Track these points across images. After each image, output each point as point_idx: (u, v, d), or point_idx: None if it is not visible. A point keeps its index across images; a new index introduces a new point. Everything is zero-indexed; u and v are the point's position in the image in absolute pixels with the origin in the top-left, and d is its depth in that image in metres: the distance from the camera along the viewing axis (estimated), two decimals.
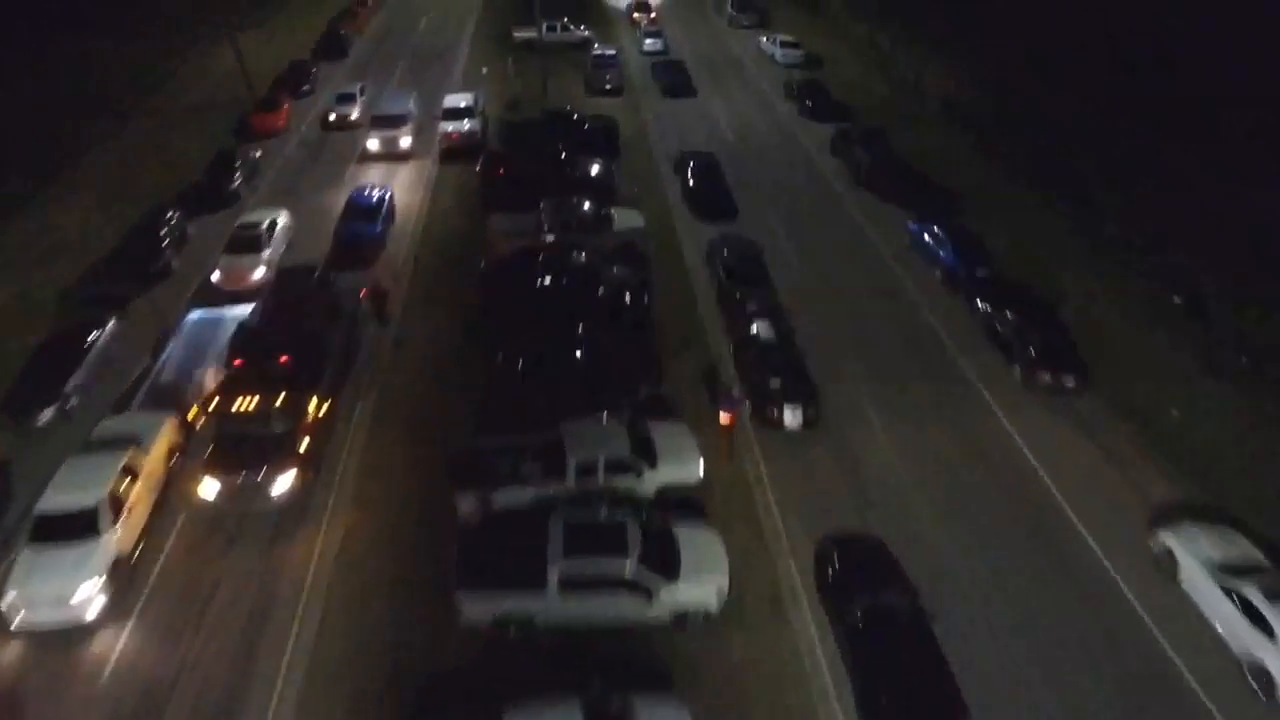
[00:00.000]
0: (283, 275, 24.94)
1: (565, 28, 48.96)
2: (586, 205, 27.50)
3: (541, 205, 27.58)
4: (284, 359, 20.00)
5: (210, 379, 22.32)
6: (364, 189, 30.71)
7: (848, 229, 30.81)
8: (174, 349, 23.12)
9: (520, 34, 48.40)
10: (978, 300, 25.34)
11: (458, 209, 31.78)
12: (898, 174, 32.86)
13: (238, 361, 20.58)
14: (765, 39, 49.93)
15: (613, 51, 43.81)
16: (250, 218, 28.49)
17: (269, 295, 23.79)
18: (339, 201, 32.28)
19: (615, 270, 24.59)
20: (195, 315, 24.83)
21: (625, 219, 28.03)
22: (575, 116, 35.26)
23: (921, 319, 25.62)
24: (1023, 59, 48.23)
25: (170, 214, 29.70)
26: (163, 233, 28.77)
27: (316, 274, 24.97)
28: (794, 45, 47.71)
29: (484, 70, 45.75)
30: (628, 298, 23.97)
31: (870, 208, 32.33)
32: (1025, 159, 37.80)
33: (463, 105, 35.93)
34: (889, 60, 51.62)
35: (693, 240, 29.59)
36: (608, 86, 42.02)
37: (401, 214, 31.74)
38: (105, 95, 44.73)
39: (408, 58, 48.64)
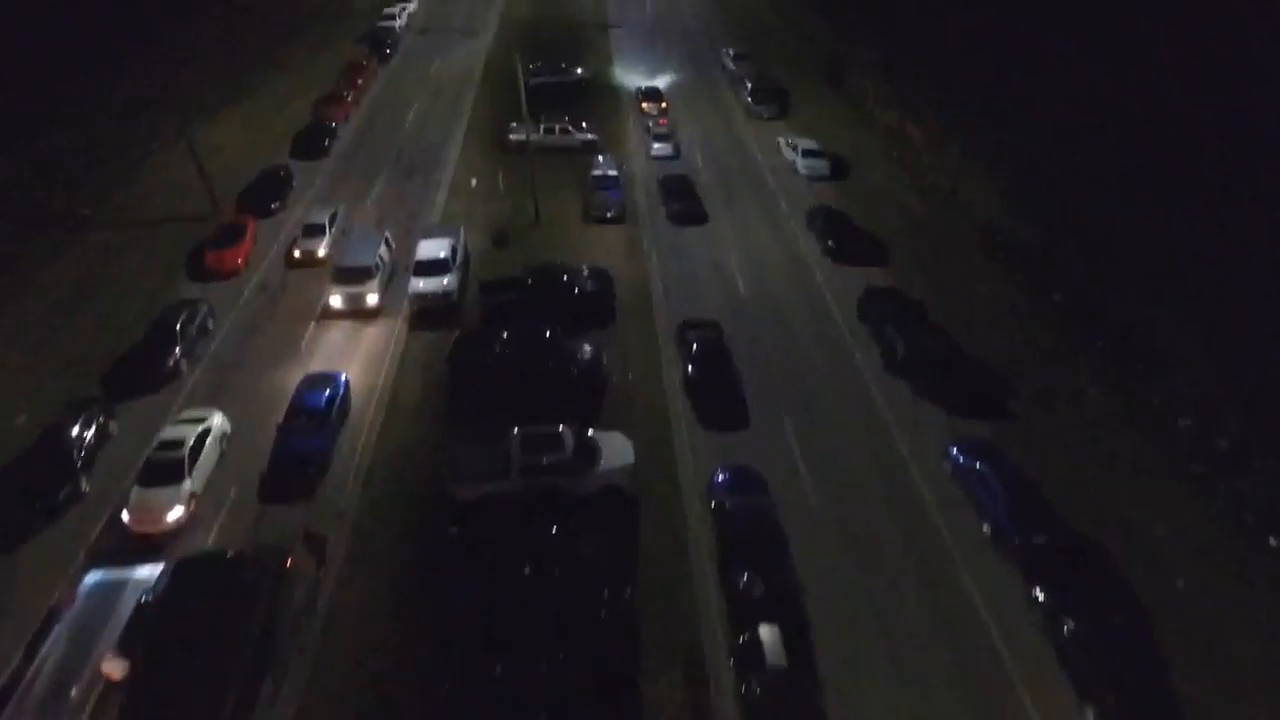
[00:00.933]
0: (184, 570, 19.95)
1: (565, 130, 44.38)
2: (566, 437, 23.02)
3: (512, 438, 23.14)
4: None
5: (108, 666, 18.28)
6: (314, 381, 26.55)
7: (877, 441, 26.17)
8: (56, 641, 19.06)
9: (516, 135, 43.89)
10: (1036, 589, 20.66)
11: (424, 403, 27.42)
12: (935, 360, 28.19)
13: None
14: (784, 141, 45.11)
15: (614, 172, 39.24)
16: (172, 432, 24.32)
17: (169, 586, 19.64)
18: (290, 381, 28.03)
19: (592, 553, 20.18)
20: (93, 578, 20.78)
21: (612, 451, 23.50)
22: (565, 278, 30.75)
23: (969, 606, 20.96)
24: (1080, 172, 43.11)
25: (91, 411, 25.68)
26: (76, 436, 24.76)
27: (230, 557, 20.38)
28: (817, 154, 42.91)
29: (473, 182, 41.44)
30: (606, 593, 19.56)
31: (903, 404, 27.69)
32: (1083, 315, 32.91)
33: (441, 256, 31.52)
34: (921, 162, 46.78)
35: (694, 464, 25.05)
36: (609, 215, 37.50)
37: (358, 401, 27.50)
38: (65, 197, 40.98)
39: (391, 161, 44.31)
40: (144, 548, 22.24)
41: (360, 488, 24.08)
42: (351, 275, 31.19)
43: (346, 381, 27.12)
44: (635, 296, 32.65)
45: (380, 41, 60.44)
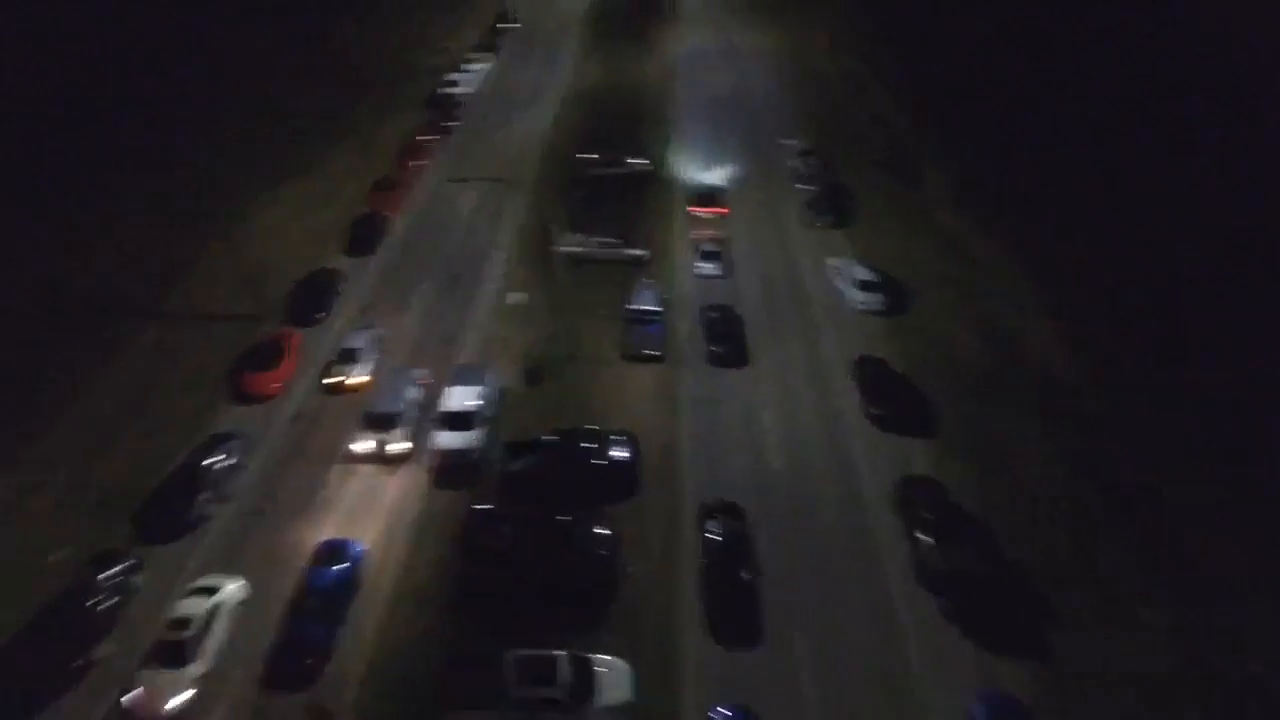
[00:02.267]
0: None
1: (613, 244, 43.63)
2: (562, 667, 22.32)
3: (507, 664, 22.54)
4: None
5: None
6: (329, 552, 26.71)
7: (897, 677, 24.61)
8: None
9: (565, 248, 43.33)
10: None
11: (434, 581, 27.10)
12: (968, 581, 26.37)
13: None
14: (836, 264, 43.10)
15: (655, 306, 38.33)
16: (183, 607, 24.65)
17: None
18: (308, 538, 28.23)
19: None
20: None
21: (610, 683, 22.70)
22: (585, 445, 30.01)
23: None
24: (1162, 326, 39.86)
25: (115, 569, 26.24)
26: (98, 598, 25.31)
27: None
28: (872, 285, 40.85)
29: (514, 298, 41.13)
30: None
31: (931, 629, 26.01)
32: (1137, 510, 30.36)
33: (469, 407, 31.22)
34: (988, 285, 44.14)
35: (699, 690, 23.99)
36: (646, 352, 36.63)
37: (372, 568, 27.41)
38: (128, 285, 42.63)
39: (438, 265, 44.30)
40: None
41: (358, 690, 23.88)
42: (380, 421, 31.21)
43: (361, 553, 27.07)
44: (662, 459, 31.70)
45: (442, 111, 60.87)
